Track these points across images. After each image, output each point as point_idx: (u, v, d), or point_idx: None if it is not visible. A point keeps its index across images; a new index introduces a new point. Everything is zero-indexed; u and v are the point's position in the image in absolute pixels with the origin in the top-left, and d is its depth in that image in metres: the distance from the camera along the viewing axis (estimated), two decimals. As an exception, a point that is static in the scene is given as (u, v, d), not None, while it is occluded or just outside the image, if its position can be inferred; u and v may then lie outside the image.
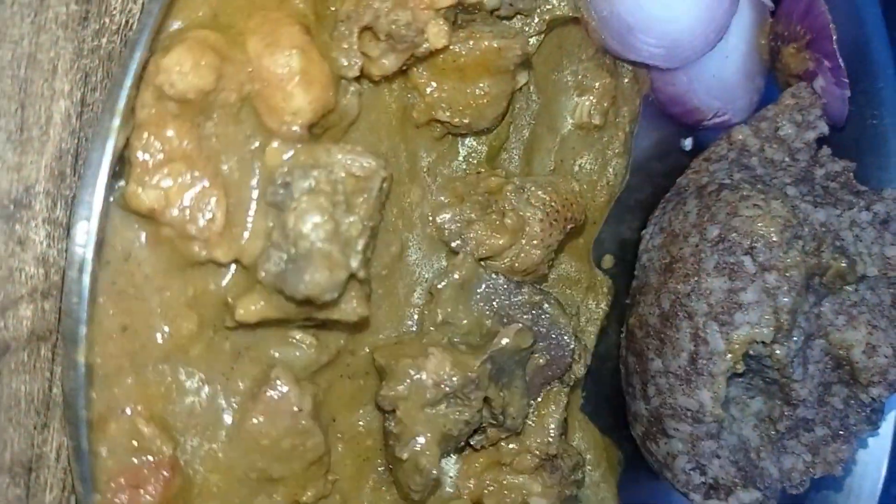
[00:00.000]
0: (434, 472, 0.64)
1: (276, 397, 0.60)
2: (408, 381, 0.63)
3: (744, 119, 0.84)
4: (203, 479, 0.59)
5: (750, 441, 0.78)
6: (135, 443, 0.56)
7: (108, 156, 0.52)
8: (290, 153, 0.57)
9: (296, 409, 0.60)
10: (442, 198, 0.68)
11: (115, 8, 0.58)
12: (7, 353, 0.55)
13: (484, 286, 0.68)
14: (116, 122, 0.51)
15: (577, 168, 0.82)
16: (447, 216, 0.69)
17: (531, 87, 0.77)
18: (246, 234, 0.58)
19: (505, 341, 0.64)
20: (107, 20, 0.57)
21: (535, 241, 0.70)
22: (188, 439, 0.59)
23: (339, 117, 0.61)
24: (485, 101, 0.68)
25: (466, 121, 0.68)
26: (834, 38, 0.82)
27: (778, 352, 0.74)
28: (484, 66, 0.66)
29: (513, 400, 0.65)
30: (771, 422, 0.78)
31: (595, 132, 0.82)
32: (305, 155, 0.57)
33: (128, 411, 0.56)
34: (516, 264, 0.70)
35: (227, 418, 0.60)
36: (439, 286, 0.67)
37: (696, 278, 0.75)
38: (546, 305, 0.68)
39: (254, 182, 0.57)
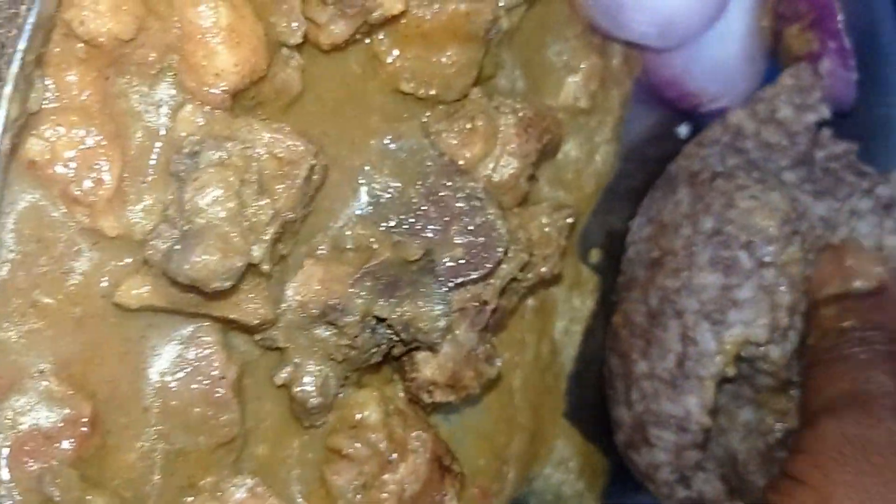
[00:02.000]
0: (312, 400, 0.59)
1: (197, 355, 0.55)
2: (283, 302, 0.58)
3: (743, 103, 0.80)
4: (115, 445, 0.55)
5: (738, 453, 0.75)
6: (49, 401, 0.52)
7: (4, 102, 0.47)
8: (205, 121, 0.53)
9: (217, 373, 0.55)
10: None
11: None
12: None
13: (424, 157, 0.63)
14: (8, 89, 0.46)
15: (561, 155, 0.78)
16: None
17: (515, 70, 0.73)
18: (140, 207, 0.53)
19: (385, 255, 0.58)
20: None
21: (510, 148, 0.65)
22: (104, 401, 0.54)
23: (276, 92, 0.56)
24: (452, 70, 0.63)
25: (433, 92, 0.63)
26: (839, 17, 0.79)
27: (773, 353, 0.71)
28: (451, 32, 0.62)
29: (418, 313, 0.59)
30: (760, 434, 0.75)
31: (582, 116, 0.78)
32: (222, 125, 0.52)
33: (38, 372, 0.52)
34: (494, 177, 0.64)
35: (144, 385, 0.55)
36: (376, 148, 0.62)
37: (687, 273, 0.71)
38: (489, 208, 0.62)
39: (158, 149, 0.53)
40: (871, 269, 0.70)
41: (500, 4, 0.66)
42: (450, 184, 0.63)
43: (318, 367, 0.59)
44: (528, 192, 0.68)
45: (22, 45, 0.46)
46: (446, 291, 0.61)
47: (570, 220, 0.70)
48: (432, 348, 0.62)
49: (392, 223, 0.62)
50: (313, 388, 0.59)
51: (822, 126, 0.78)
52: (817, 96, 0.78)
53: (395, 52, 0.62)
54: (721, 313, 0.70)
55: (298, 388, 0.59)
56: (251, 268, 0.53)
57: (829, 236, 0.73)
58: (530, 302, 0.76)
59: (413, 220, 0.62)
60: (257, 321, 0.55)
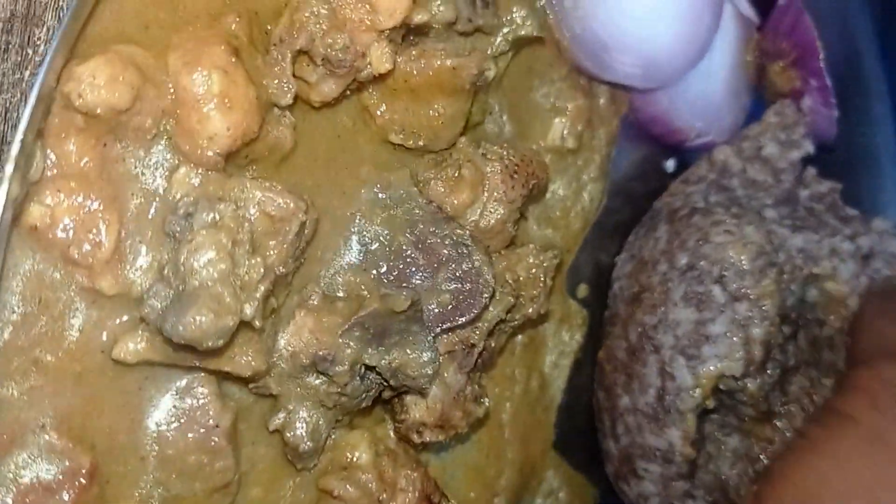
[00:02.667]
0: (304, 444, 0.60)
1: (192, 406, 0.57)
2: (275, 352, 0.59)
3: (728, 139, 0.81)
4: (113, 495, 0.56)
5: (728, 480, 0.75)
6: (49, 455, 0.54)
7: (5, 183, 0.49)
8: (199, 182, 0.54)
9: (212, 423, 0.57)
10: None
11: (38, 39, 0.55)
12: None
13: (413, 206, 0.64)
14: (9, 168, 0.48)
15: (549, 194, 0.79)
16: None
17: (503, 114, 0.74)
18: (137, 267, 0.55)
19: (374, 307, 0.60)
20: (29, 51, 0.54)
21: (497, 195, 0.66)
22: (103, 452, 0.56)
23: (269, 149, 0.58)
24: (440, 122, 0.65)
25: (421, 143, 0.65)
26: (821, 55, 0.80)
27: (750, 386, 0.71)
28: (438, 86, 0.63)
29: (407, 360, 0.61)
30: (749, 461, 0.75)
31: (569, 156, 0.79)
32: (216, 186, 0.54)
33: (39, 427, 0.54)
34: (481, 223, 0.66)
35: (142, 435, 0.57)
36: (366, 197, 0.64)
37: (662, 309, 0.72)
38: (475, 254, 0.64)
39: (155, 210, 0.55)
40: None
41: (488, 53, 0.67)
42: (438, 231, 0.64)
43: (310, 413, 0.61)
44: (514, 235, 0.69)
45: (23, 125, 0.48)
46: (434, 338, 0.63)
47: (555, 261, 0.71)
48: (421, 392, 0.64)
49: (382, 269, 0.63)
50: (305, 434, 0.60)
51: (806, 163, 0.78)
52: (801, 132, 0.79)
53: (384, 107, 0.64)
54: (696, 348, 0.70)
55: (291, 434, 0.60)
56: (244, 324, 0.55)
57: (812, 268, 0.72)
58: (519, 338, 0.78)
59: (402, 266, 0.64)
60: (250, 373, 0.57)
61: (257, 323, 0.54)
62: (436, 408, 0.65)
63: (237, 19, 0.56)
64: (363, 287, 0.62)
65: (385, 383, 0.62)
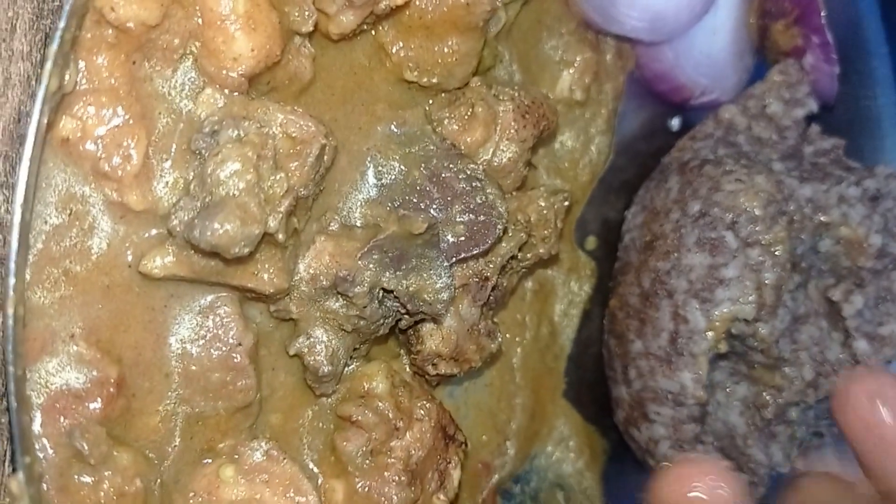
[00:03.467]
0: (324, 368, 0.61)
1: (215, 323, 0.58)
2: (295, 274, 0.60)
3: (732, 98, 0.82)
4: (139, 408, 0.57)
5: (736, 427, 0.76)
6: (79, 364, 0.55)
7: (40, 100, 0.50)
8: (224, 103, 0.55)
9: (234, 341, 0.58)
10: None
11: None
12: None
13: (427, 143, 0.65)
14: (48, 65, 0.50)
15: (558, 145, 0.80)
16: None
17: (513, 63, 0.76)
18: (164, 183, 0.56)
19: (392, 230, 0.61)
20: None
21: (509, 133, 0.67)
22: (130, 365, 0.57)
23: (289, 78, 0.59)
24: (454, 59, 0.65)
25: (435, 80, 0.66)
26: (822, 13, 0.81)
27: (762, 330, 0.72)
28: (452, 23, 0.64)
29: (424, 284, 0.62)
30: (757, 408, 0.76)
31: (577, 108, 0.80)
32: (240, 106, 0.55)
33: (69, 336, 0.55)
34: (493, 161, 0.67)
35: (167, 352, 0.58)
36: (382, 134, 0.65)
37: (676, 254, 0.73)
38: (488, 188, 0.65)
39: (181, 129, 0.56)
40: None
41: (508, 10, 0.69)
42: (452, 166, 0.65)
43: (329, 337, 0.62)
44: (525, 176, 0.70)
45: (61, 23, 0.50)
46: (449, 266, 0.63)
47: (566, 203, 0.72)
48: (436, 320, 0.65)
49: (397, 203, 0.65)
50: (324, 358, 0.61)
51: (810, 120, 0.80)
52: (805, 91, 0.80)
53: (400, 44, 0.65)
54: (709, 292, 0.71)
55: (311, 358, 0.61)
56: (267, 238, 0.55)
57: (821, 216, 0.74)
58: (529, 284, 0.79)
59: (417, 199, 0.65)
60: (272, 290, 0.58)
61: (280, 236, 0.55)
62: (451, 339, 0.66)
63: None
64: (380, 218, 0.64)
65: (402, 309, 0.63)
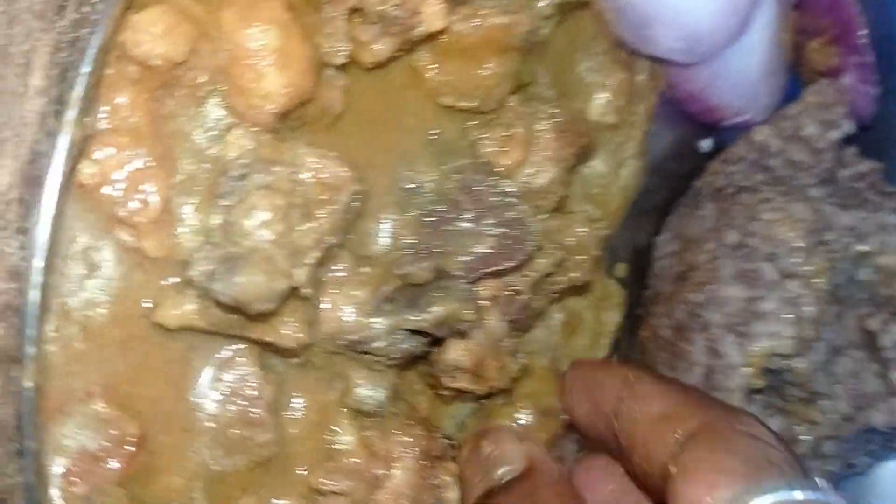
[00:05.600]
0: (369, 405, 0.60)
1: (234, 377, 0.55)
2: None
3: (766, 118, 0.80)
4: (159, 465, 0.55)
5: None
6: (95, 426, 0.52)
7: (62, 150, 0.47)
8: (254, 144, 0.53)
9: (254, 393, 0.55)
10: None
11: (95, -2, 0.53)
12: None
13: (461, 158, 0.63)
14: (72, 113, 0.46)
15: (588, 170, 0.78)
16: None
17: (546, 83, 0.72)
18: (185, 229, 0.53)
19: (396, 284, 0.58)
20: (87, 9, 0.52)
21: (547, 154, 0.65)
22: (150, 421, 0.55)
23: (321, 111, 0.56)
24: (491, 81, 0.63)
25: (472, 103, 0.64)
26: (861, 31, 0.79)
27: (800, 365, 0.70)
28: (489, 45, 0.62)
29: (453, 309, 0.58)
30: (791, 442, 0.73)
31: (609, 131, 0.78)
32: (270, 149, 0.52)
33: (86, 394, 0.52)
34: (532, 182, 0.65)
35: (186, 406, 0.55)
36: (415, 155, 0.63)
37: (711, 287, 0.72)
38: (521, 205, 0.62)
39: (205, 171, 0.53)
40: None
41: (539, 5, 0.66)
42: (485, 180, 0.63)
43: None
44: (563, 197, 0.68)
45: (86, 68, 0.46)
46: (470, 283, 0.61)
47: (605, 232, 0.70)
48: (463, 334, 0.62)
49: (423, 212, 0.62)
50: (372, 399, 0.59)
51: (845, 142, 0.78)
52: (841, 112, 0.78)
53: (435, 67, 0.62)
54: (746, 326, 0.70)
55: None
56: (291, 291, 0.53)
57: (859, 245, 0.72)
58: (557, 315, 0.76)
59: (446, 210, 0.62)
60: (294, 346, 0.55)
61: (306, 291, 0.53)
62: (474, 350, 0.63)
63: (291, -25, 0.55)
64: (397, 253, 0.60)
65: (429, 337, 0.60)
